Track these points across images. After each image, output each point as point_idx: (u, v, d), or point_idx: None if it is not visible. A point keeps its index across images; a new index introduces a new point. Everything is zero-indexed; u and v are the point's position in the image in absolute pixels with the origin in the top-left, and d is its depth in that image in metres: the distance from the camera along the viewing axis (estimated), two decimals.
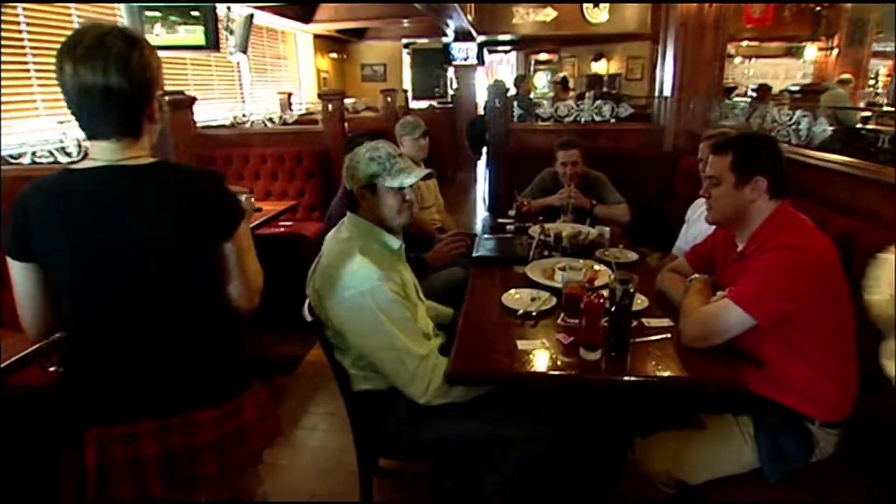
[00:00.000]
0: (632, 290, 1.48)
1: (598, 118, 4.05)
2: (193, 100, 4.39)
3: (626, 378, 1.44)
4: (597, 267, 2.13)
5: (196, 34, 4.24)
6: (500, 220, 3.00)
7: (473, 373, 1.49)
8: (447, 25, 7.60)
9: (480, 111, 8.30)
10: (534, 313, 1.74)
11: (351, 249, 1.56)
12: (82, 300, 1.17)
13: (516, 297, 1.86)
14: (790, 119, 2.65)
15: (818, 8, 7.09)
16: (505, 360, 1.50)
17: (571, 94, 7.58)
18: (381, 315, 1.50)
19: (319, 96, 4.30)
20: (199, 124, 4.48)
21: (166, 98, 1.24)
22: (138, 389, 1.19)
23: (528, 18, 8.50)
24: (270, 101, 6.32)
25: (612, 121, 4.01)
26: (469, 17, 7.23)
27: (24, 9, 3.44)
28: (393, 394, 1.60)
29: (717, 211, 1.68)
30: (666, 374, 1.45)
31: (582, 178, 3.20)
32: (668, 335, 1.61)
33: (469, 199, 7.89)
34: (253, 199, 2.53)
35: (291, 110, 5.92)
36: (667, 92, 3.99)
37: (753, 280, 1.47)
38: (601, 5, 8.26)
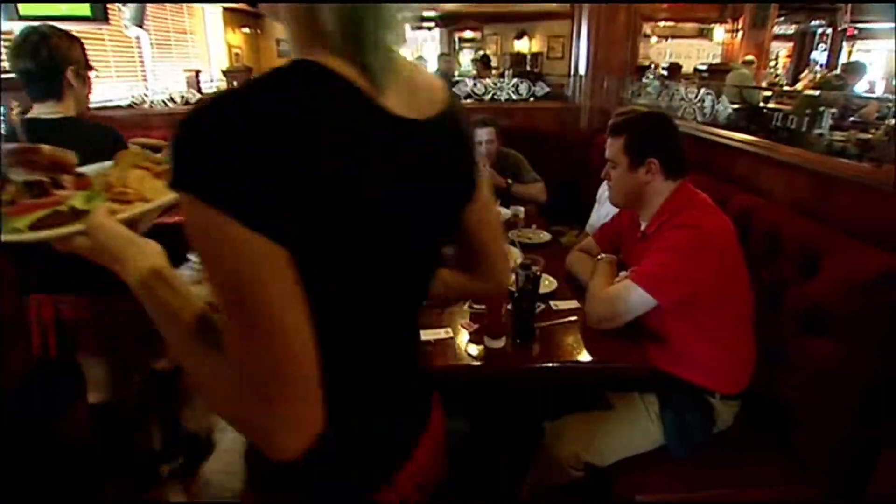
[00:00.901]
0: (536, 275, 1.44)
1: (515, 97, 4.02)
2: None
3: (532, 366, 1.40)
4: (506, 249, 2.08)
5: (80, 6, 3.84)
6: None
7: None
8: None
9: None
10: None
11: None
12: None
13: None
14: (695, 97, 2.70)
15: None
16: None
17: (493, 72, 7.54)
18: None
19: (224, 73, 4.02)
20: (92, 105, 4.09)
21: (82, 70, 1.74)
22: None
23: None
24: (177, 78, 5.89)
25: (531, 99, 3.99)
26: None
27: None
28: None
29: (616, 193, 1.69)
30: (572, 360, 1.42)
31: (497, 156, 3.16)
32: (575, 318, 1.58)
33: None
34: None
35: (200, 89, 5.54)
36: (581, 70, 4.00)
37: (653, 260, 1.46)
38: None
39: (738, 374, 1.54)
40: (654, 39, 9.16)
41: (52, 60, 1.63)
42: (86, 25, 4.05)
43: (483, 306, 1.54)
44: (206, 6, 7.00)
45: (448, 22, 10.40)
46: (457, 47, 10.95)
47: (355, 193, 0.56)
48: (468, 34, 10.83)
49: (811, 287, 1.45)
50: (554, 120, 4.03)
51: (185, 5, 6.53)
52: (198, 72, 5.84)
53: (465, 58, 10.87)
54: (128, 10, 4.48)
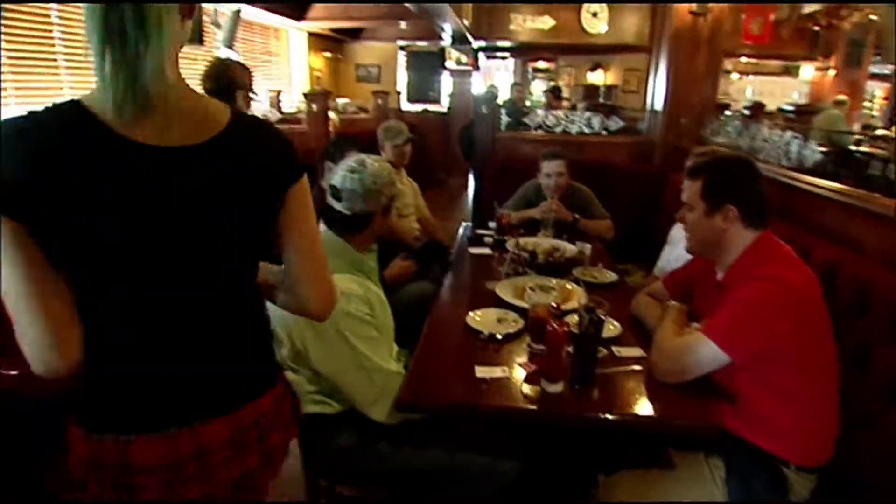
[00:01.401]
0: (600, 318, 1.38)
1: (587, 130, 3.96)
2: None
3: (590, 415, 1.33)
4: (570, 287, 2.02)
5: None
6: (479, 232, 2.89)
7: (423, 403, 1.39)
8: (443, 29, 7.51)
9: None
10: (499, 336, 1.64)
11: None
12: None
13: (479, 319, 1.75)
14: (780, 139, 2.56)
15: (816, 27, 7.03)
16: (459, 389, 1.39)
17: (564, 103, 7.49)
18: (350, 336, 1.43)
19: (305, 96, 4.19)
20: None
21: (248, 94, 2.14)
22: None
23: (525, 25, 8.41)
24: (261, 98, 6.21)
25: (604, 133, 3.92)
26: (466, 22, 7.13)
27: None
28: (342, 419, 1.49)
29: (691, 239, 1.61)
30: (633, 411, 1.35)
31: (566, 190, 3.11)
32: (639, 367, 1.51)
33: (460, 206, 7.78)
34: None
35: (280, 109, 5.80)
36: (658, 105, 3.91)
37: (729, 313, 1.37)
38: (600, 16, 8.19)
39: (817, 444, 1.41)
40: (734, 76, 8.86)
41: (229, 84, 2.04)
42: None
43: (542, 347, 1.50)
44: (293, 30, 7.36)
45: (522, 52, 10.45)
46: (530, 77, 10.98)
47: (74, 201, 0.76)
48: (542, 64, 10.85)
49: None
50: (626, 155, 3.94)
51: (272, 28, 6.90)
52: (279, 92, 6.14)
53: (537, 88, 10.88)
54: (220, 33, 4.77)
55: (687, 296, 1.74)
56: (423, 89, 10.17)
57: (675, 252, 2.50)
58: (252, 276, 0.98)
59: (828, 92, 7.01)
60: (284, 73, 7.41)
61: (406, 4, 5.52)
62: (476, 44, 8.72)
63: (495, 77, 12.00)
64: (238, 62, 2.20)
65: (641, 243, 3.27)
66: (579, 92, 9.58)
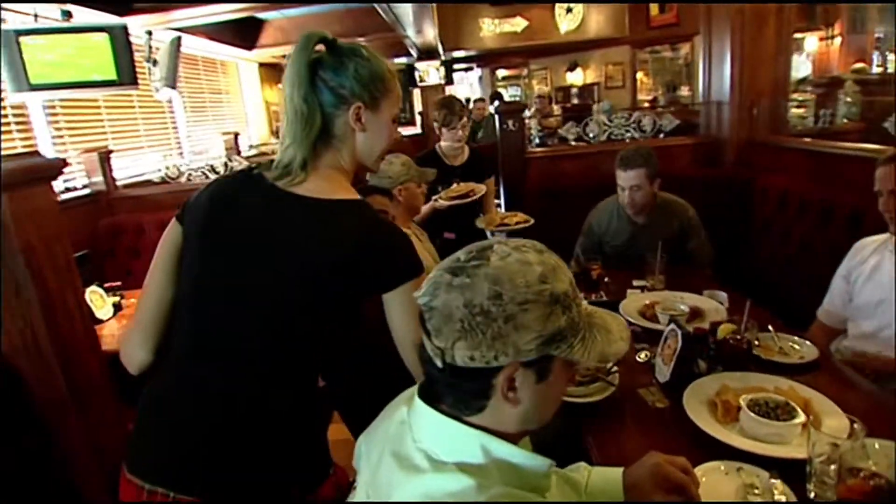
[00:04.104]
0: None
1: (637, 134, 3.19)
2: (109, 152, 3.37)
3: None
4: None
5: (104, 67, 3.18)
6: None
7: None
8: (412, 43, 6.72)
9: None
10: None
11: None
12: None
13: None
14: None
15: None
16: None
17: (556, 107, 6.79)
18: None
19: (276, 133, 3.30)
20: (120, 182, 3.44)
21: None
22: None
23: (496, 29, 7.71)
24: (213, 143, 5.26)
25: (661, 136, 3.15)
26: (433, 31, 6.38)
27: None
28: None
29: None
30: None
31: (653, 210, 2.34)
32: None
33: None
34: None
35: (240, 154, 4.89)
36: (720, 96, 3.16)
37: None
38: (574, 10, 7.55)
39: None
40: None
41: None
42: (111, 91, 3.40)
43: None
44: (241, 62, 6.45)
45: (490, 60, 9.77)
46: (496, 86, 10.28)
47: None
48: (507, 72, 10.16)
49: None
50: (690, 158, 3.18)
51: (218, 62, 5.98)
52: (236, 134, 5.22)
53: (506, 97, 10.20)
54: (158, 71, 3.85)
55: None
56: None
57: (868, 290, 1.71)
58: None
59: (835, 63, 6.48)
60: (238, 111, 6.48)
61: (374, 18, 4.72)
62: (448, 55, 7.97)
63: (456, 91, 11.30)
64: None
65: (728, 268, 2.51)
66: (543, 100, 8.63)
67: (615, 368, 1.38)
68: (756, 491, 0.95)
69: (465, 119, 2.64)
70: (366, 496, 0.78)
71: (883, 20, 6.74)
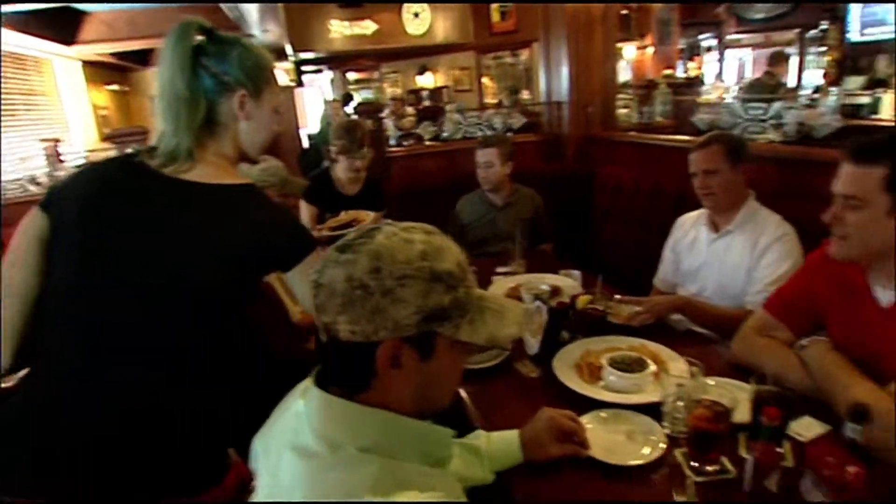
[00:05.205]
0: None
1: (489, 132, 3.38)
2: None
3: None
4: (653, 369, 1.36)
5: None
6: None
7: None
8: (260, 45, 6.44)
9: (306, 141, 7.17)
10: None
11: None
12: None
13: None
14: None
15: (625, 11, 7.33)
16: None
17: (409, 109, 6.91)
18: None
19: (109, 139, 3.02)
20: None
21: None
22: None
23: (346, 32, 7.67)
24: (30, 150, 4.61)
25: (510, 133, 3.37)
26: (277, 30, 6.19)
27: None
28: None
29: (857, 244, 1.14)
30: None
31: (509, 194, 2.57)
32: None
33: None
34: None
35: (62, 162, 4.33)
36: (559, 96, 3.46)
37: None
38: (421, 15, 7.76)
39: None
40: None
41: None
42: None
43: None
44: (59, 61, 5.72)
45: (341, 63, 9.69)
46: (352, 89, 10.22)
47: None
48: (356, 74, 10.13)
49: None
50: (536, 154, 3.43)
51: (30, 59, 5.26)
52: (57, 141, 4.62)
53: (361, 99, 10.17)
54: None
55: (806, 324, 1.32)
56: None
57: (692, 258, 1.99)
58: None
59: (649, 69, 7.38)
60: (57, 116, 5.74)
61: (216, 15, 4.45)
62: (296, 57, 7.75)
63: (305, 96, 11.04)
64: None
65: (576, 252, 2.78)
66: (397, 101, 8.75)
67: None
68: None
69: (365, 149, 2.45)
70: (268, 498, 0.76)
71: (684, 34, 7.85)
